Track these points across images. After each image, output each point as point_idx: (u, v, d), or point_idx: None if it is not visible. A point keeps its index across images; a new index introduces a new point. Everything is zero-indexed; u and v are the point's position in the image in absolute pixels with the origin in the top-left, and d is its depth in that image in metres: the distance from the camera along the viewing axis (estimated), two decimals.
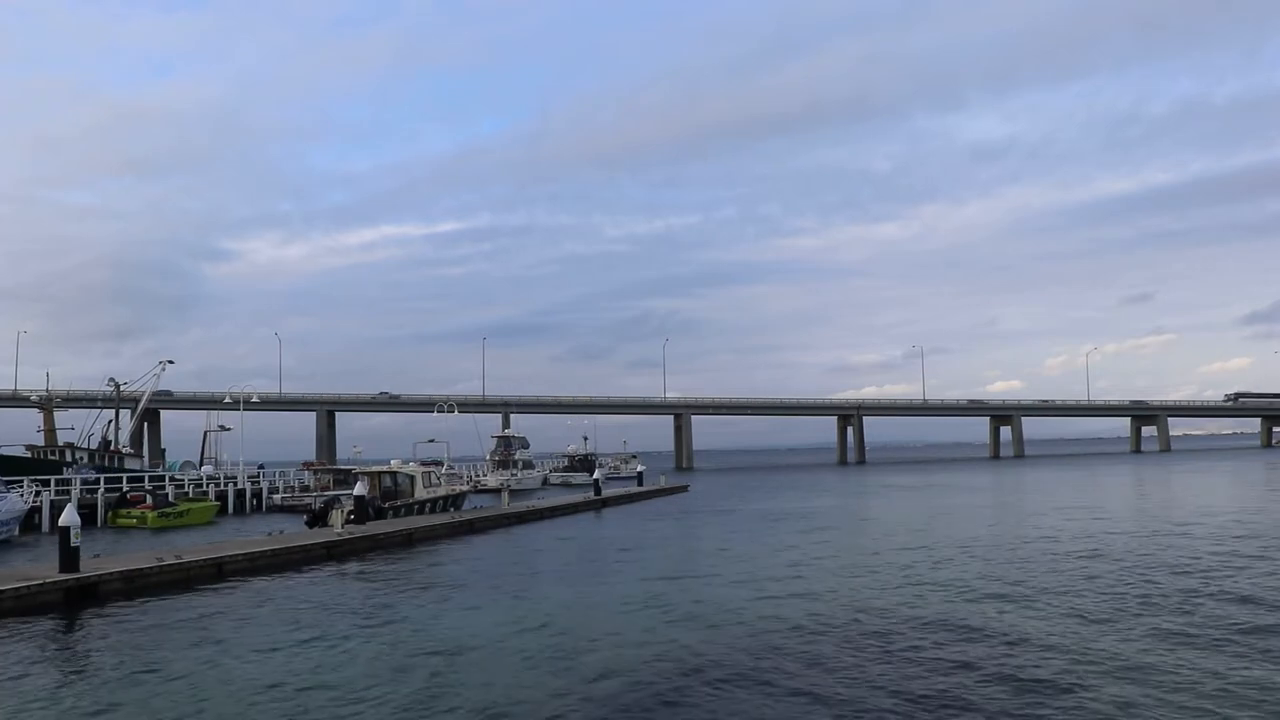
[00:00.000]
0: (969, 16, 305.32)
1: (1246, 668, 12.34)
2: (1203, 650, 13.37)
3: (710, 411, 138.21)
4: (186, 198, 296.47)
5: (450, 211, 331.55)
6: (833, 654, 13.82)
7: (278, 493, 55.49)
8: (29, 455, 52.00)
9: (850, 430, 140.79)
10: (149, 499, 43.35)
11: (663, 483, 66.46)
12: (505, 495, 47.79)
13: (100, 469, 50.51)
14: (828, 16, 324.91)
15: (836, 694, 11.68)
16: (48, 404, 57.26)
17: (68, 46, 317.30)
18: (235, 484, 52.15)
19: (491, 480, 69.91)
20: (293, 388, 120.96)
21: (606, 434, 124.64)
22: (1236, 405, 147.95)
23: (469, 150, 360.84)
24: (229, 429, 67.33)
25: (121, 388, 62.01)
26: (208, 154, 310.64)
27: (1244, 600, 17.20)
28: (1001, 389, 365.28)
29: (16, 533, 35.58)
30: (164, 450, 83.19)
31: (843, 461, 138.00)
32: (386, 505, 37.91)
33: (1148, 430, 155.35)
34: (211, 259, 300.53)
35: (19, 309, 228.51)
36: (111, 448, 56.34)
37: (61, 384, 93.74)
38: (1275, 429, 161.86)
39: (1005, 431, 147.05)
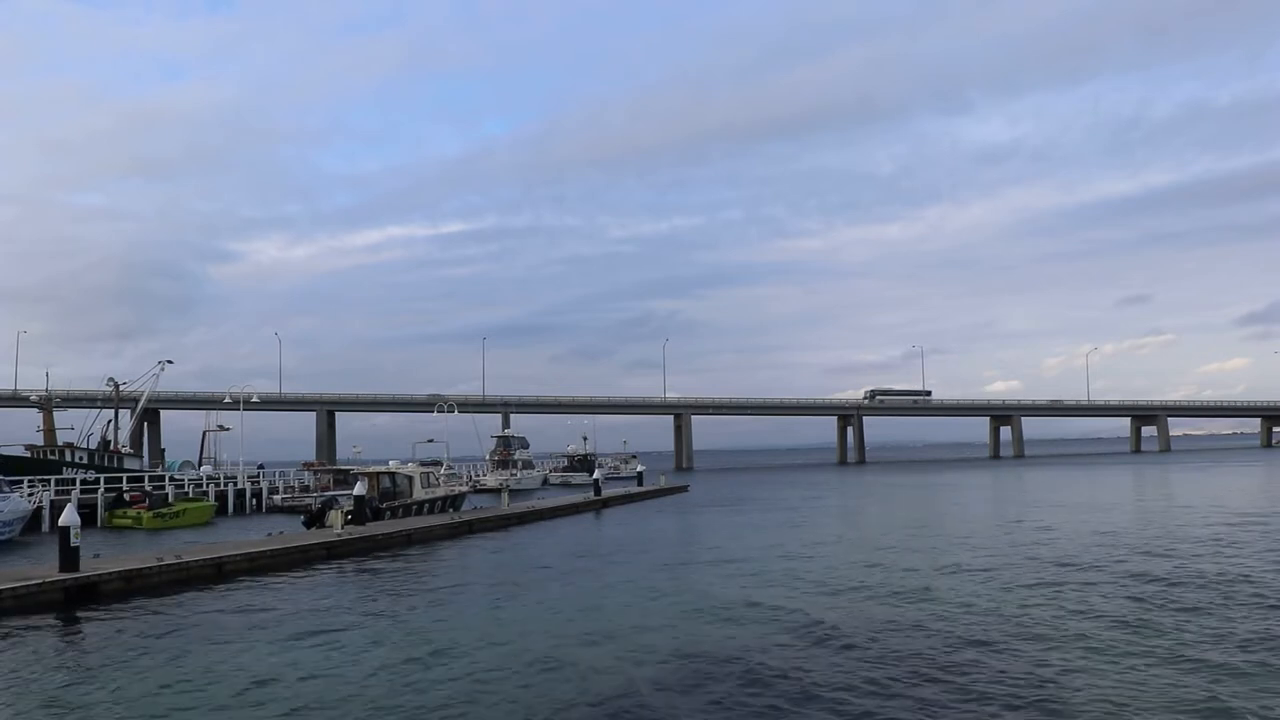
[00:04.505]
0: (974, 21, 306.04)
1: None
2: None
3: (710, 411, 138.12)
4: (195, 199, 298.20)
5: (456, 213, 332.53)
6: (833, 653, 13.87)
7: (278, 493, 55.50)
8: (29, 455, 52.02)
9: (850, 430, 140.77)
10: (146, 499, 43.39)
11: (662, 483, 66.45)
12: (505, 495, 47.78)
13: (100, 468, 50.55)
14: (835, 20, 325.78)
15: (841, 694, 11.73)
16: (47, 404, 57.25)
17: (80, 51, 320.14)
18: (235, 484, 52.14)
19: (491, 480, 69.93)
20: (295, 388, 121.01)
21: (606, 434, 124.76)
22: (874, 404, 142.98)
23: (476, 152, 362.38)
24: (229, 429, 67.43)
25: (121, 388, 62.00)
26: (218, 157, 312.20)
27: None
28: (1001, 389, 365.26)
29: (19, 533, 35.61)
30: (164, 450, 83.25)
31: (843, 462, 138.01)
32: (385, 506, 37.90)
33: (1148, 430, 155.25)
34: (217, 260, 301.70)
35: (26, 309, 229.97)
36: (111, 447, 56.34)
37: (66, 385, 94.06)
38: (1275, 429, 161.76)
39: (1005, 431, 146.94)
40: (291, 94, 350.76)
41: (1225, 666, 12.47)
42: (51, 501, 39.32)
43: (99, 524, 41.53)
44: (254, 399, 64.49)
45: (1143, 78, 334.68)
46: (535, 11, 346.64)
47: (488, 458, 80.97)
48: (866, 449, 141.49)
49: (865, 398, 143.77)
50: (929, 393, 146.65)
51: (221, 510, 48.52)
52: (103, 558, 24.49)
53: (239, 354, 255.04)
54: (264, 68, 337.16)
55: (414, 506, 39.44)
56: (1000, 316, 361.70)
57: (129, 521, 41.47)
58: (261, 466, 66.21)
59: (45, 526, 37.40)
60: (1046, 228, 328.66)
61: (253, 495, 52.70)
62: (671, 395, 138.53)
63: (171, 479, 50.76)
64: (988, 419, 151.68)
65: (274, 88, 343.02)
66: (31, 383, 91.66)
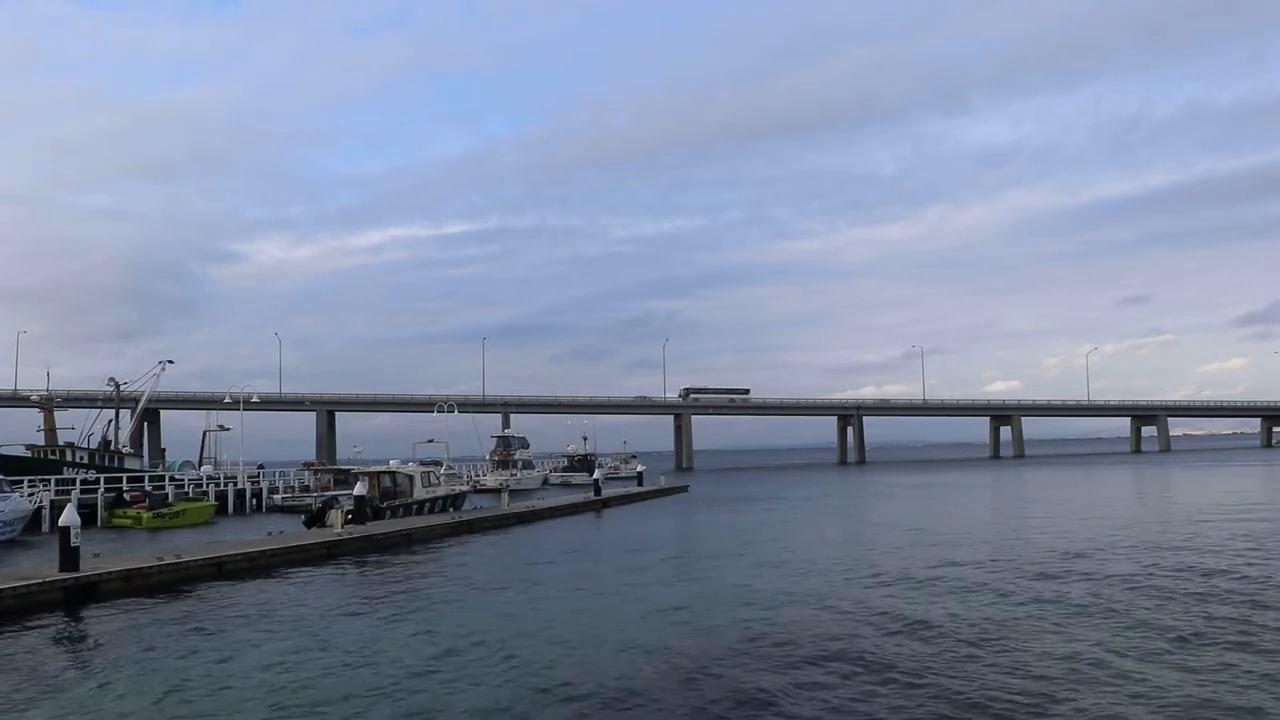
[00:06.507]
0: (976, 22, 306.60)
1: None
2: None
3: (710, 412, 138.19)
4: (199, 200, 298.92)
5: (459, 213, 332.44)
6: (828, 654, 13.89)
7: (278, 493, 55.52)
8: (29, 455, 52.03)
9: (850, 430, 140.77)
10: (146, 499, 43.40)
11: (662, 483, 66.45)
12: (505, 495, 47.80)
13: (100, 468, 50.58)
14: (836, 22, 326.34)
15: (838, 696, 11.74)
16: (48, 404, 57.27)
17: (85, 53, 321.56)
18: (235, 484, 52.16)
19: (491, 480, 69.92)
20: (296, 388, 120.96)
21: (606, 434, 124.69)
22: (687, 403, 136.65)
23: (480, 153, 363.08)
24: (229, 429, 67.35)
25: (121, 388, 62.01)
26: (222, 158, 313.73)
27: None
28: (1001, 389, 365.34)
29: (19, 532, 35.62)
30: (164, 450, 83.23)
31: (843, 462, 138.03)
32: (385, 505, 37.93)
33: (1147, 430, 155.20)
34: (220, 261, 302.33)
35: (28, 309, 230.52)
36: (111, 447, 56.36)
37: (67, 385, 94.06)
38: (1275, 429, 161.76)
39: (1005, 431, 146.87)
40: (295, 95, 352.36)
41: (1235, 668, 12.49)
42: (52, 501, 39.32)
43: (99, 524, 41.53)
44: (254, 399, 64.50)
45: (1144, 79, 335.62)
46: (538, 13, 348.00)
47: (488, 458, 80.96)
48: (866, 449, 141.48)
49: (680, 396, 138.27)
50: (747, 390, 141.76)
51: (221, 510, 48.53)
52: (103, 557, 24.49)
53: (240, 354, 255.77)
54: (268, 69, 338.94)
55: (414, 506, 39.47)
56: (1000, 316, 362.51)
57: (129, 521, 41.47)
58: (261, 466, 66.20)
59: (45, 526, 37.39)
60: (1047, 228, 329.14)
61: (253, 495, 52.71)
62: (671, 395, 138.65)
63: (171, 479, 50.78)
64: (988, 419, 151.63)
65: (278, 89, 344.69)
66: (32, 383, 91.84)
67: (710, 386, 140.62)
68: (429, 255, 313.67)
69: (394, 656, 14.26)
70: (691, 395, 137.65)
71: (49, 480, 44.03)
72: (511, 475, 74.04)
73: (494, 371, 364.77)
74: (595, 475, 58.56)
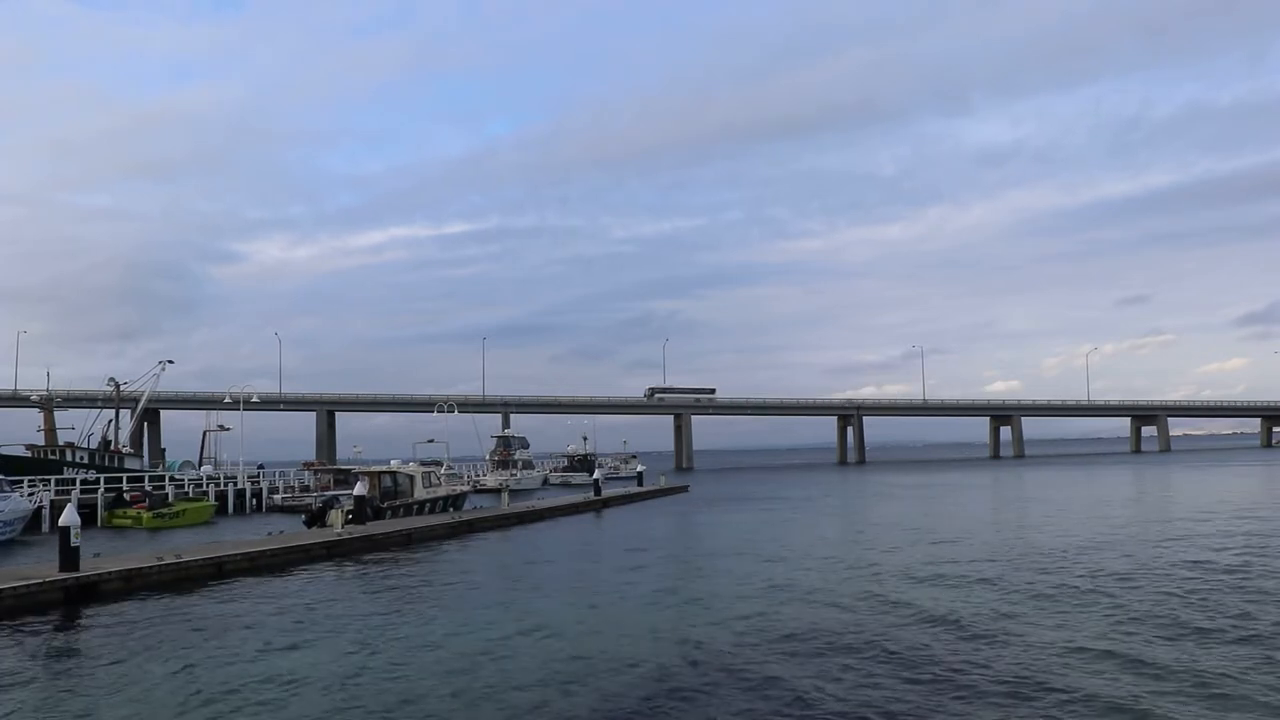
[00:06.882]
0: (976, 22, 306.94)
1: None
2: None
3: (710, 411, 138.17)
4: (199, 200, 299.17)
5: (460, 213, 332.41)
6: (826, 654, 13.89)
7: (278, 493, 55.52)
8: (29, 455, 52.03)
9: (850, 430, 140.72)
10: (146, 499, 43.39)
11: (662, 483, 66.42)
12: (505, 495, 47.79)
13: (100, 468, 50.59)
14: (836, 22, 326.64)
15: (836, 695, 11.75)
16: (48, 404, 57.27)
17: (86, 53, 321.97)
18: (235, 484, 52.16)
19: (491, 480, 69.92)
20: (295, 388, 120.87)
21: (606, 434, 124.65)
22: (652, 401, 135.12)
23: (481, 153, 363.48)
24: (229, 429, 67.34)
25: (121, 388, 62.01)
26: (222, 158, 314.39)
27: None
28: (1001, 389, 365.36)
29: (19, 532, 35.62)
30: (164, 450, 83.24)
31: (843, 462, 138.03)
32: (385, 505, 37.94)
33: (1148, 430, 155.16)
34: (220, 261, 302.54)
35: (28, 309, 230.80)
36: (111, 447, 56.36)
37: (67, 385, 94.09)
38: (1275, 429, 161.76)
39: (1005, 431, 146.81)
40: (296, 95, 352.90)
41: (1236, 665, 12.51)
42: (52, 501, 39.31)
43: (99, 524, 41.53)
44: (254, 399, 64.49)
45: (1144, 79, 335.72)
46: (538, 13, 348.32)
47: (488, 458, 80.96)
48: (866, 449, 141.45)
49: (646, 395, 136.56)
50: (713, 390, 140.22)
51: (221, 510, 48.52)
52: (103, 557, 24.48)
53: (240, 354, 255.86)
54: (268, 69, 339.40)
55: (415, 506, 39.46)
56: (1000, 316, 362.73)
57: (129, 521, 41.46)
58: (261, 466, 66.20)
59: (45, 526, 37.37)
60: (1047, 228, 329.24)
61: (253, 495, 52.69)
62: (671, 396, 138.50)
63: (171, 479, 50.77)
64: (988, 419, 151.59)
65: (278, 89, 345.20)
66: (32, 383, 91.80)
67: (676, 386, 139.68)
68: (429, 255, 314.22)
69: (397, 657, 14.27)
70: (657, 395, 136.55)
71: (49, 480, 44.04)
72: (511, 475, 74.03)
73: (494, 371, 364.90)
74: (595, 475, 58.53)
